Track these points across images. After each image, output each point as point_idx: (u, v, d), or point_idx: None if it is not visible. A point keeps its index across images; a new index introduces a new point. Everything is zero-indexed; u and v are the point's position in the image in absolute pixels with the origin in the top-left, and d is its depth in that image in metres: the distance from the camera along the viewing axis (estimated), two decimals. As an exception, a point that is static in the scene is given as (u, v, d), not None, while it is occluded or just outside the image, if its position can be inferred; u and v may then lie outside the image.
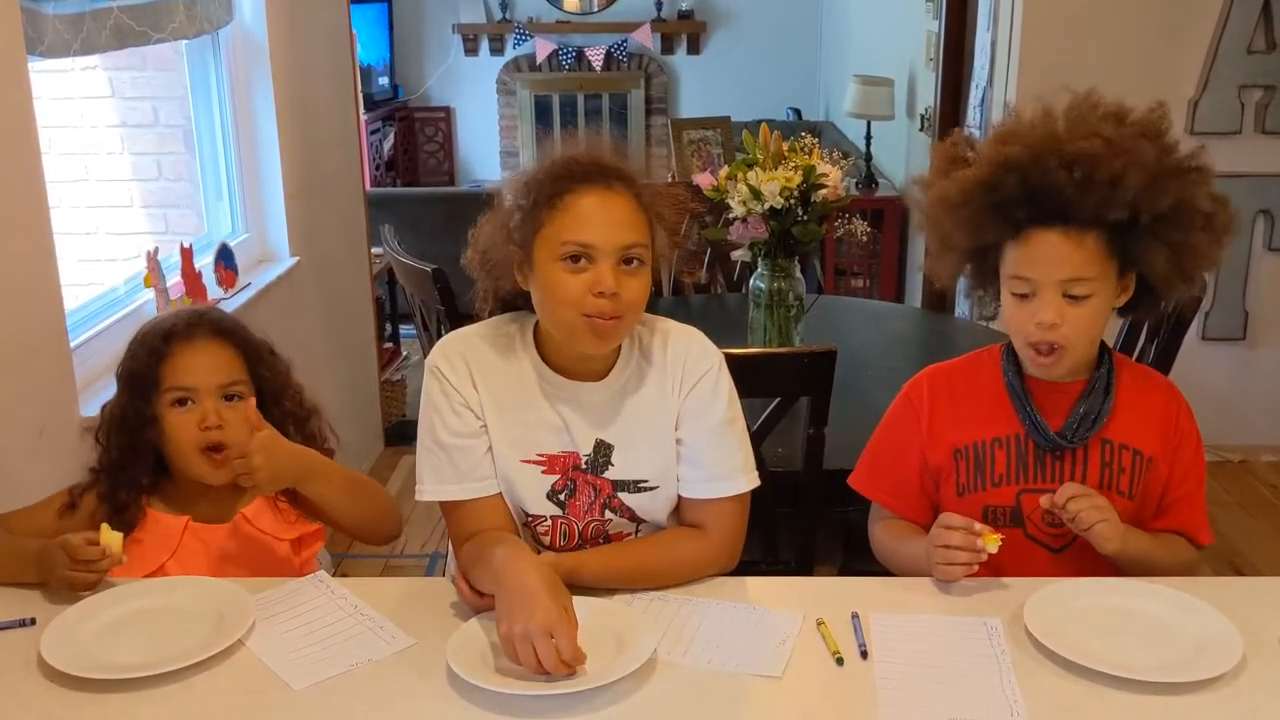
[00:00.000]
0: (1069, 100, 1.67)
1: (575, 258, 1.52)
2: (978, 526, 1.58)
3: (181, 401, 1.68)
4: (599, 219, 1.53)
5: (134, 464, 1.69)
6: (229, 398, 1.70)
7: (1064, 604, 1.51)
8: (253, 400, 1.67)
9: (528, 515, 1.66)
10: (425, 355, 2.90)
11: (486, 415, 1.62)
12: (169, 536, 1.69)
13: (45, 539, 1.59)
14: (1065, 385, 1.70)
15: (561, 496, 1.64)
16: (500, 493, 1.63)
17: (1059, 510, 1.62)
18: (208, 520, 1.72)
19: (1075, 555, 1.70)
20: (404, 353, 5.08)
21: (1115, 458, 1.70)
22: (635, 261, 1.54)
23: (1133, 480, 1.70)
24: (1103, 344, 1.74)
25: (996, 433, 1.72)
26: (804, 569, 2.19)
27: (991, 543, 1.57)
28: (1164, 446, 1.72)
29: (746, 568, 1.68)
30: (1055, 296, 1.61)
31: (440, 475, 1.62)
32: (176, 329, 1.70)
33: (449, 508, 1.64)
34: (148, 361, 1.68)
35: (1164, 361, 2.48)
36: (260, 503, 1.75)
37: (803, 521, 2.17)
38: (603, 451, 1.63)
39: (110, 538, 1.55)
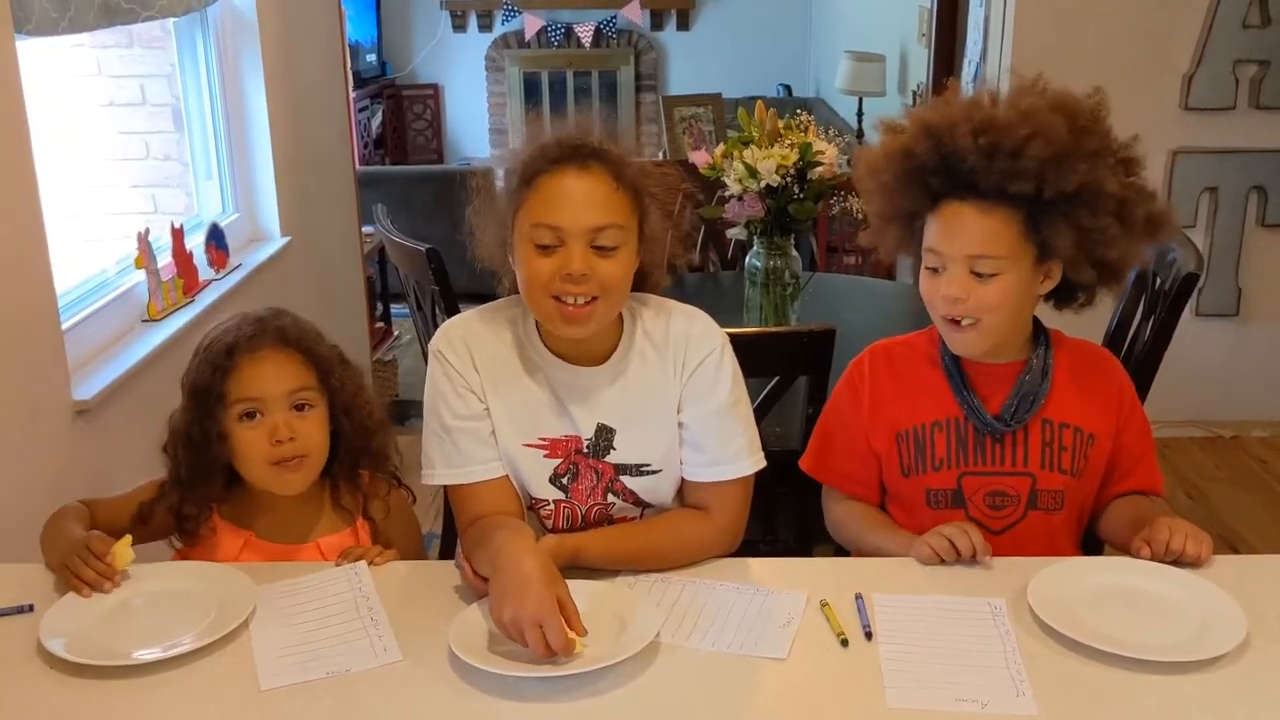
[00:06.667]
0: (1014, 83, 1.67)
1: (547, 241, 1.51)
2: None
3: (250, 414, 1.61)
4: (568, 200, 1.51)
5: (203, 481, 1.64)
6: (298, 407, 1.63)
7: (1067, 583, 1.51)
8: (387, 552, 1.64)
9: (532, 498, 1.66)
10: (418, 335, 2.92)
11: (488, 398, 1.62)
12: (228, 551, 1.65)
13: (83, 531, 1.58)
14: (1001, 368, 1.71)
15: (564, 480, 1.64)
16: (506, 475, 1.63)
17: (1161, 557, 1.57)
18: (272, 537, 1.67)
19: (1016, 537, 1.72)
20: (396, 332, 5.07)
21: (1056, 437, 1.71)
22: (609, 243, 1.52)
23: (1074, 458, 1.71)
24: (1039, 325, 1.75)
25: (936, 416, 1.72)
26: (802, 549, 2.19)
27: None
28: (1107, 423, 1.74)
29: (745, 548, 1.67)
30: (962, 272, 1.62)
31: (448, 459, 1.62)
32: (239, 342, 1.61)
33: (453, 490, 1.64)
34: (212, 376, 1.61)
35: (1160, 340, 2.47)
36: (342, 536, 1.70)
37: (801, 501, 2.17)
38: (604, 435, 1.62)
39: (122, 552, 1.53)
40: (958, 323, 1.65)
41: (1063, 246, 1.62)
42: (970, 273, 1.62)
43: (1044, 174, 1.57)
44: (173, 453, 1.66)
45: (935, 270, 1.65)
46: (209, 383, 1.61)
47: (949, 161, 1.61)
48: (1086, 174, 1.59)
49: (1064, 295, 1.73)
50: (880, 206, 1.73)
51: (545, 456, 1.63)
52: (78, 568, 1.51)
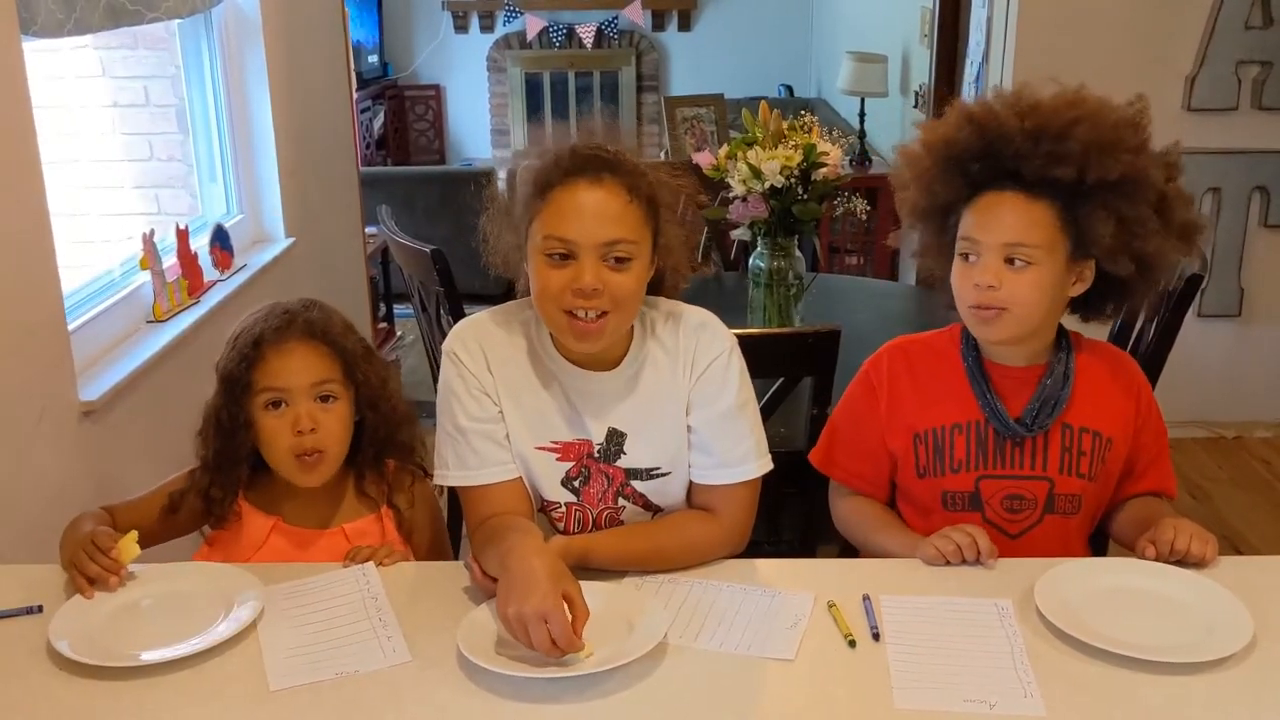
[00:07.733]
0: (1054, 89, 1.67)
1: (559, 253, 1.51)
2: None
3: (275, 404, 1.64)
4: (582, 214, 1.50)
5: (230, 466, 1.67)
6: (323, 398, 1.66)
7: (1074, 585, 1.51)
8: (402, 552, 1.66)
9: (544, 501, 1.66)
10: (422, 336, 2.92)
11: (502, 401, 1.62)
12: (256, 536, 1.68)
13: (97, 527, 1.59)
14: (1023, 370, 1.71)
15: (576, 484, 1.64)
16: (519, 477, 1.63)
17: (1166, 557, 1.57)
18: (299, 522, 1.70)
19: (1031, 540, 1.71)
20: (399, 333, 5.07)
21: (1075, 442, 1.70)
22: (622, 257, 1.52)
23: (1092, 463, 1.71)
24: (1061, 328, 1.74)
25: (956, 418, 1.71)
26: (807, 550, 2.19)
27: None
28: (1124, 428, 1.73)
29: (749, 548, 1.68)
30: (996, 260, 1.62)
31: (462, 460, 1.62)
32: (266, 333, 1.65)
33: (465, 491, 1.64)
34: (240, 365, 1.64)
35: (1164, 340, 2.47)
36: (367, 521, 1.72)
37: (806, 502, 2.17)
38: (615, 440, 1.63)
39: (127, 547, 1.54)
40: (986, 311, 1.63)
41: (1101, 235, 1.61)
42: (1004, 261, 1.61)
43: (1088, 158, 1.58)
44: (204, 436, 1.69)
45: (968, 258, 1.64)
46: (237, 371, 1.65)
47: (993, 147, 1.61)
48: (1130, 164, 1.59)
49: (1092, 306, 1.73)
50: (916, 198, 1.72)
51: (557, 460, 1.63)
52: (83, 563, 1.52)
